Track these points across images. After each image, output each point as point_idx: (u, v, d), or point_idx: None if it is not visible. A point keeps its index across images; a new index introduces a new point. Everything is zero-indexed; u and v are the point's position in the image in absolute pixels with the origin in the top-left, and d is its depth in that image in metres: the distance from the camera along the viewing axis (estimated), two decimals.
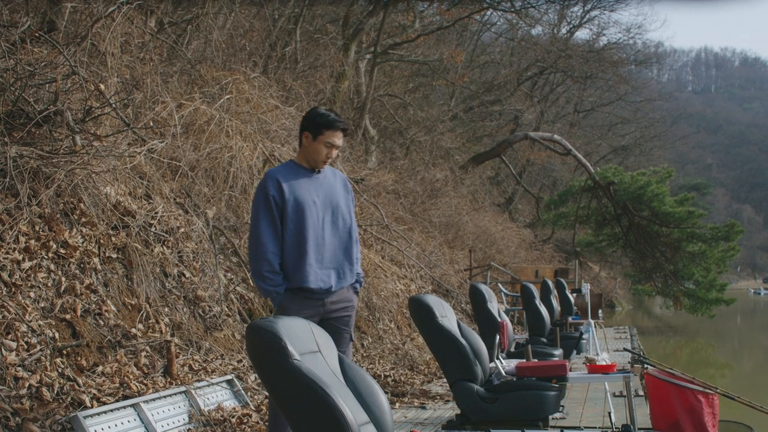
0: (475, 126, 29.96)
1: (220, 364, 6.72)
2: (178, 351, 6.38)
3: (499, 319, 6.64)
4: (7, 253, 5.45)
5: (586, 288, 11.28)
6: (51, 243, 5.86)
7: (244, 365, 6.96)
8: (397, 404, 7.74)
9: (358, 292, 4.60)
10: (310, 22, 17.03)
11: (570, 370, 5.25)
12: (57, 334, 5.35)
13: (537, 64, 31.30)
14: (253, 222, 4.35)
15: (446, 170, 22.67)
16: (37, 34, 6.97)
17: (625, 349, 6.34)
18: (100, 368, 5.51)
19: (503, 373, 5.20)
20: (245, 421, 5.96)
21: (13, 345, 4.98)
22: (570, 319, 10.00)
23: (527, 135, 26.15)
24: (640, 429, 5.07)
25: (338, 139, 4.41)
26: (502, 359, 5.55)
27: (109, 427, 5.00)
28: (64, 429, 4.79)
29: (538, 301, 9.00)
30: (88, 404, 5.06)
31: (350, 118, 17.50)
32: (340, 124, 4.40)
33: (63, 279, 5.77)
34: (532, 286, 9.17)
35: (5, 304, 5.12)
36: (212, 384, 6.21)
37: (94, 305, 5.89)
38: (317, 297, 4.35)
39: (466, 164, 25.50)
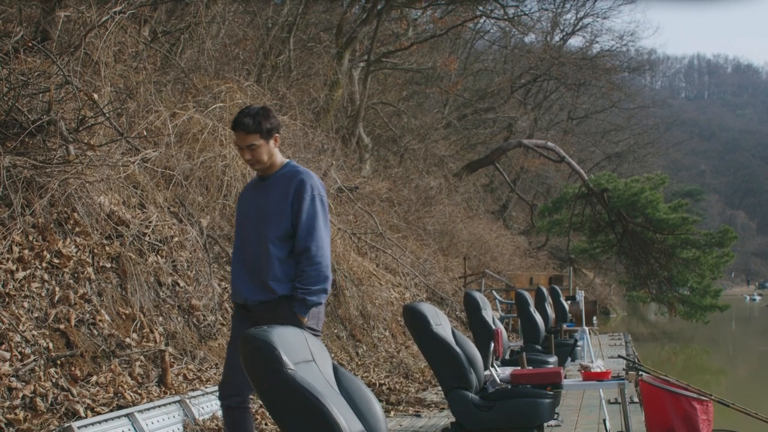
0: (468, 134, 29.98)
1: (215, 373, 6.70)
2: (172, 360, 6.37)
3: (494, 327, 6.64)
4: (1, 263, 5.43)
5: (580, 295, 11.27)
6: (45, 253, 5.84)
7: None
8: (392, 413, 7.73)
9: (301, 308, 3.98)
10: (303, 30, 17.04)
11: (565, 378, 5.26)
12: (51, 344, 5.34)
13: (530, 71, 31.42)
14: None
15: (440, 178, 22.66)
16: (30, 44, 6.96)
17: (620, 356, 6.36)
18: (95, 378, 5.50)
19: (498, 380, 5.20)
20: None
21: (7, 355, 4.97)
22: (564, 326, 10.00)
23: (521, 142, 26.21)
24: None
25: (239, 140, 4.06)
26: (496, 367, 5.56)
27: None
28: None
29: (532, 309, 9.00)
30: (83, 414, 5.05)
31: (344, 126, 17.51)
32: (234, 124, 4.07)
33: (57, 289, 5.76)
34: (527, 294, 9.18)
35: None
36: (207, 393, 6.19)
37: (88, 315, 5.88)
38: (246, 309, 4.15)
39: (460, 172, 25.50)
